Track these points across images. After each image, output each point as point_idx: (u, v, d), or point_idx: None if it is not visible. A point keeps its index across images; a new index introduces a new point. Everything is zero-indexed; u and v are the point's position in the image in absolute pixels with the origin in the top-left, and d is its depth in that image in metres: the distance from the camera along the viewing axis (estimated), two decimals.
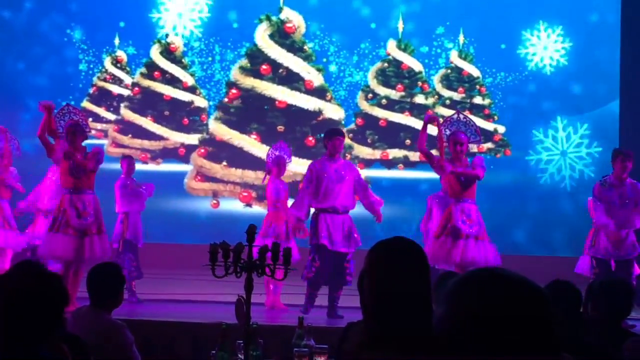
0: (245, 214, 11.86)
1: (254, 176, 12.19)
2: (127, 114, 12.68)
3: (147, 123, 12.66)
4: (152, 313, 7.61)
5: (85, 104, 12.53)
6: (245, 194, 12.38)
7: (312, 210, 7.97)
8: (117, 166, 9.16)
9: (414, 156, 12.32)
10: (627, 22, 11.82)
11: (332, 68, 12.59)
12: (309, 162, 8.82)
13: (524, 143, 12.26)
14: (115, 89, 12.72)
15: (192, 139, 12.65)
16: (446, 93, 12.53)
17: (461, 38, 12.41)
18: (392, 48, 12.52)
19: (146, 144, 12.66)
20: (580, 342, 3.53)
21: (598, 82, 12.07)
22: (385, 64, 12.54)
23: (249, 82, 12.49)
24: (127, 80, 12.73)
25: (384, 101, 12.51)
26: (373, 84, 12.54)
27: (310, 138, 12.30)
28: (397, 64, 12.54)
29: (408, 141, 12.35)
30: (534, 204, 12.09)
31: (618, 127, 11.79)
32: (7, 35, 12.66)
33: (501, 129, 12.37)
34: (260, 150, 11.93)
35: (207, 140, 12.58)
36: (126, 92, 12.70)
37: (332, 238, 7.79)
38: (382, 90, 12.52)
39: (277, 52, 12.51)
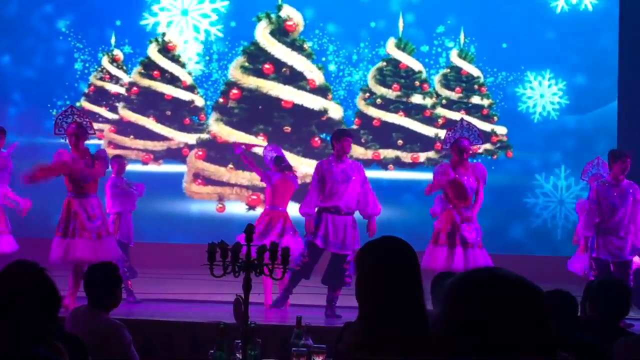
0: (247, 216, 11.71)
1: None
2: (127, 114, 12.58)
3: (150, 123, 12.51)
4: (150, 313, 7.61)
5: (83, 103, 12.47)
6: (255, 197, 12.16)
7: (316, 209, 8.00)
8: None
9: (406, 157, 12.28)
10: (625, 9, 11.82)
11: (332, 67, 12.54)
12: (316, 162, 8.79)
13: (526, 143, 12.20)
14: (115, 89, 12.63)
15: (196, 139, 12.56)
16: (444, 93, 12.48)
17: (462, 37, 12.36)
18: (390, 47, 12.47)
19: (149, 144, 12.58)
20: (578, 341, 3.54)
21: (602, 76, 12.01)
22: (384, 64, 12.50)
23: (252, 81, 12.34)
24: (126, 79, 12.66)
25: (379, 101, 12.43)
26: (371, 83, 12.49)
27: (317, 139, 12.25)
28: (395, 63, 12.49)
29: (400, 142, 12.27)
30: (535, 203, 12.08)
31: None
32: None
33: (501, 130, 12.28)
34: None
35: (208, 142, 12.41)
36: (126, 92, 12.64)
37: (329, 238, 7.80)
38: (379, 90, 12.47)
39: (282, 50, 12.35)
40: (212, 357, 4.01)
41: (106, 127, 12.57)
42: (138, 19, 12.64)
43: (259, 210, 11.47)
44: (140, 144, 12.53)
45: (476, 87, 12.40)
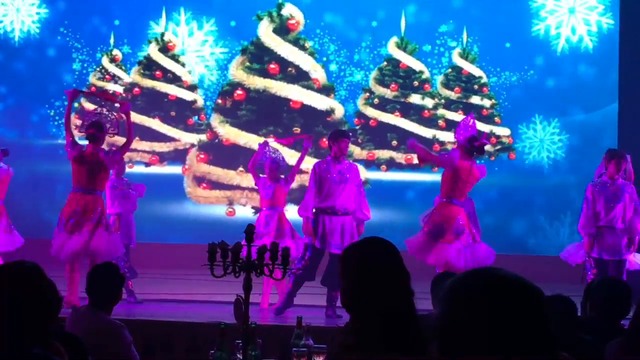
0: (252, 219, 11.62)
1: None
2: (133, 116, 12.44)
3: (157, 124, 12.41)
4: (150, 313, 7.61)
5: (84, 103, 12.44)
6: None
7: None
8: None
9: (400, 158, 12.24)
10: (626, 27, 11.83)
11: (332, 67, 12.50)
12: None
13: (527, 144, 12.19)
14: (117, 89, 12.59)
15: (197, 140, 12.47)
16: (444, 92, 12.42)
17: (465, 36, 12.31)
18: (391, 47, 12.42)
19: (156, 146, 12.48)
20: (578, 341, 3.54)
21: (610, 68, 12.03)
22: (384, 63, 12.45)
23: (258, 82, 12.22)
24: (127, 79, 12.62)
25: (376, 100, 12.38)
26: (372, 83, 12.45)
27: (325, 139, 12.15)
28: (395, 63, 12.44)
29: (395, 142, 12.22)
30: (535, 203, 12.08)
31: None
32: None
33: (502, 131, 12.24)
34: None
35: (213, 145, 12.32)
36: (128, 93, 12.57)
37: (327, 239, 7.81)
38: (378, 90, 12.41)
39: (287, 49, 12.26)
40: (212, 357, 4.01)
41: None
42: (138, 19, 12.60)
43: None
44: (147, 145, 12.44)
45: (476, 87, 12.35)
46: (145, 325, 6.75)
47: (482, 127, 12.07)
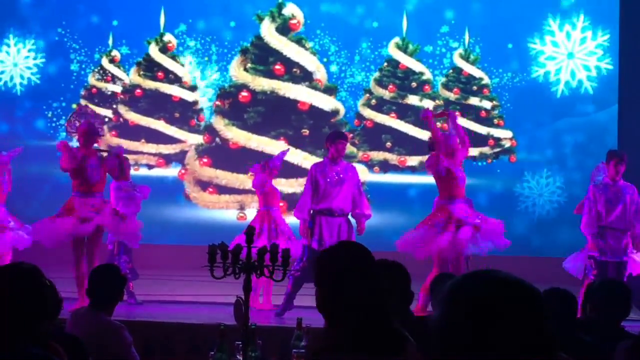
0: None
1: (287, 184, 11.45)
2: (133, 116, 12.33)
3: (162, 126, 12.29)
4: (150, 314, 7.60)
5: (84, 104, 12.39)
6: (282, 203, 10.52)
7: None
8: None
9: (394, 160, 12.17)
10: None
11: (333, 68, 12.45)
12: None
13: (528, 144, 12.17)
14: (117, 90, 12.51)
15: (199, 142, 12.33)
16: (444, 94, 12.35)
17: (467, 37, 12.25)
18: (392, 48, 12.36)
19: (162, 148, 12.34)
20: (578, 342, 3.54)
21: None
22: (385, 64, 12.40)
23: (265, 83, 12.06)
24: (127, 80, 12.54)
25: (373, 102, 12.32)
26: (372, 84, 12.40)
27: None
28: (395, 64, 12.40)
29: (389, 144, 12.14)
30: (536, 204, 12.07)
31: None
32: None
33: (502, 133, 12.19)
34: (292, 155, 10.96)
35: (218, 148, 12.14)
36: (128, 94, 12.49)
37: (324, 240, 7.81)
38: (377, 91, 12.34)
39: (293, 49, 12.14)
40: (212, 358, 4.02)
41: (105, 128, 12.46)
42: (137, 19, 12.54)
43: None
44: (153, 147, 12.35)
45: (476, 88, 12.28)
46: (145, 326, 6.75)
47: (480, 129, 12.07)
